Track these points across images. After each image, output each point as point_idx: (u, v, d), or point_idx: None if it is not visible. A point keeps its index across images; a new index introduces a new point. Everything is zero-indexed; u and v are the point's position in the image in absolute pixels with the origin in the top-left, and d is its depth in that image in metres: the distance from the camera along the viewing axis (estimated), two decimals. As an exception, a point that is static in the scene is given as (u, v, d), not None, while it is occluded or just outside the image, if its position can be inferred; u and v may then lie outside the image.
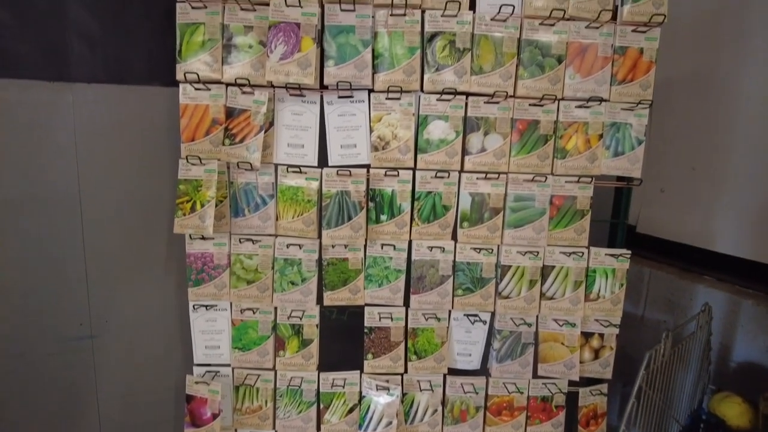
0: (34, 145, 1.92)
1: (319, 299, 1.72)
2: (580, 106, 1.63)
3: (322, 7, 1.54)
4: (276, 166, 1.65)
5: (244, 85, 1.54)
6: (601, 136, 1.65)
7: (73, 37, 1.94)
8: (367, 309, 1.72)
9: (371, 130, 1.62)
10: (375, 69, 1.58)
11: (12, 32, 1.89)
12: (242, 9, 1.54)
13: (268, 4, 1.54)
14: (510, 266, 1.71)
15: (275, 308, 1.72)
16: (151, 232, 2.04)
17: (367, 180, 1.64)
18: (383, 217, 1.67)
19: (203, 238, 1.67)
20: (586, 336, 1.77)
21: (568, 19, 1.56)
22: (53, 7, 1.94)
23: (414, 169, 1.65)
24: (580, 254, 1.70)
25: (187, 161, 1.58)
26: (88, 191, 1.99)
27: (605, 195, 1.84)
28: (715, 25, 2.34)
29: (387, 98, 1.60)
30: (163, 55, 1.98)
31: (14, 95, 1.87)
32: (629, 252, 1.73)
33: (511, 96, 1.59)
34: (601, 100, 1.61)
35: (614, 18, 1.59)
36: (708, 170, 2.41)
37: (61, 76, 1.95)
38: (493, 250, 1.70)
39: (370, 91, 1.61)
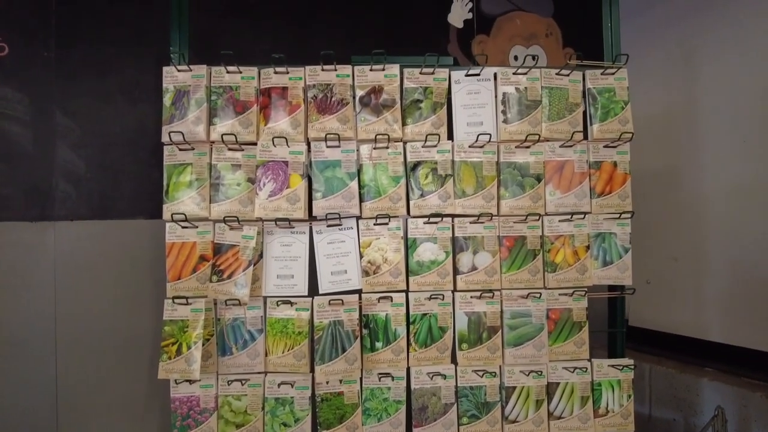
0: (11, 286, 1.86)
1: (315, 440, 1.59)
2: (563, 220, 1.66)
3: (308, 143, 1.60)
4: (265, 299, 1.61)
5: (232, 221, 1.54)
6: (587, 247, 1.67)
7: (59, 177, 1.96)
8: (367, 447, 1.60)
9: (361, 256, 1.61)
10: (362, 198, 1.61)
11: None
12: (230, 149, 1.58)
13: (255, 144, 1.59)
14: (515, 387, 1.64)
15: (267, 454, 1.58)
16: (131, 374, 1.93)
17: (360, 306, 1.60)
18: (378, 344, 1.61)
19: (189, 381, 1.56)
20: (603, 458, 1.66)
21: (543, 140, 1.64)
22: (41, 150, 1.98)
23: (407, 292, 1.62)
24: (584, 369, 1.65)
25: (173, 302, 1.53)
26: (64, 330, 1.91)
27: (597, 303, 1.83)
28: (675, 122, 2.52)
29: (375, 224, 1.61)
30: (147, 189, 1.99)
31: (-1, 238, 1.83)
32: (632, 362, 1.68)
33: (495, 216, 1.62)
34: (584, 213, 1.65)
35: (586, 137, 1.68)
36: (690, 260, 2.46)
37: (43, 215, 1.94)
38: (494, 371, 1.63)
39: (358, 218, 1.62)
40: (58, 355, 1.88)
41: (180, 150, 1.58)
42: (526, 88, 1.66)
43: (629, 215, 1.65)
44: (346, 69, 1.60)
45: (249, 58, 1.66)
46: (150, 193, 2.04)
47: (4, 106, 1.87)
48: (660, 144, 2.61)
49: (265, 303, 1.61)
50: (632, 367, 1.67)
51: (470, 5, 2.81)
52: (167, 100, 1.58)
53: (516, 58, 2.95)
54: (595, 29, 2.76)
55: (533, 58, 1.70)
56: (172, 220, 1.54)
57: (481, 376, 1.62)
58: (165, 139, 1.56)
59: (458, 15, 2.77)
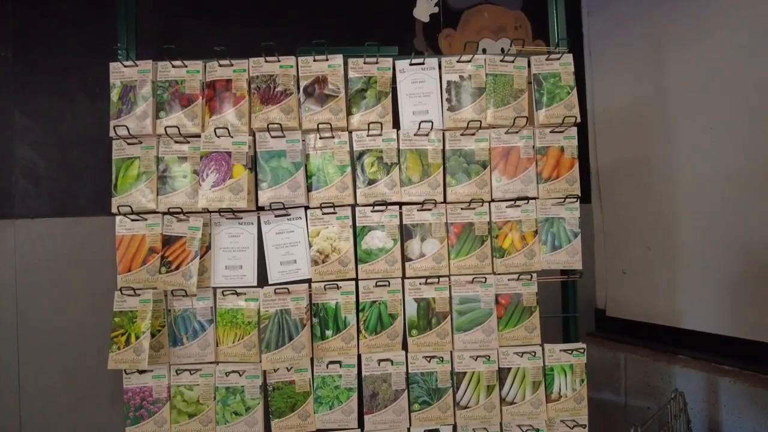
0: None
1: (267, 429, 1.60)
2: (510, 206, 1.67)
3: (253, 135, 1.62)
4: (214, 289, 1.63)
5: (177, 213, 1.56)
6: (536, 232, 1.68)
7: (18, 175, 1.98)
8: (318, 435, 1.61)
9: (310, 245, 1.63)
10: (310, 188, 1.62)
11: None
12: (176, 142, 1.60)
13: (200, 136, 1.61)
14: (465, 372, 1.64)
15: (219, 443, 1.59)
16: (95, 371, 1.95)
17: (310, 295, 1.61)
18: (329, 333, 1.63)
19: (140, 371, 1.58)
20: (555, 441, 1.66)
21: (487, 128, 1.65)
22: (0, 148, 1.99)
23: (356, 280, 1.64)
24: (534, 353, 1.65)
25: (122, 293, 1.55)
26: (26, 330, 1.93)
27: (557, 288, 1.83)
28: (644, 113, 2.52)
29: (323, 213, 1.63)
30: (108, 186, 2.02)
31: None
32: (584, 346, 1.69)
33: (441, 202, 1.63)
34: (528, 198, 1.66)
35: (532, 123, 1.69)
36: (662, 248, 2.45)
37: (3, 213, 1.96)
38: (445, 357, 1.64)
39: (307, 208, 1.64)
40: (21, 354, 1.89)
41: (128, 144, 1.61)
42: (470, 75, 1.68)
43: (575, 198, 1.66)
44: (289, 60, 1.62)
45: (210, 57, 1.67)
46: (109, 188, 2.06)
47: (-38, 107, 1.91)
48: (631, 135, 2.61)
49: (215, 294, 1.63)
50: (583, 350, 1.68)
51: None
52: (114, 95, 1.60)
53: (485, 51, 2.96)
54: (570, 20, 2.74)
55: (509, 47, 1.71)
56: (120, 213, 1.56)
57: (430, 362, 1.63)
58: (112, 133, 1.59)
59: (424, 9, 2.79)
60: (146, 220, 1.60)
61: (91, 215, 2.04)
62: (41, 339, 1.95)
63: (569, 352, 1.68)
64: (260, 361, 1.60)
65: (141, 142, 1.60)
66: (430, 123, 1.60)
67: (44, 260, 1.99)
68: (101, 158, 2.05)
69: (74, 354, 1.99)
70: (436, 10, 2.82)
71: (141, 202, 1.59)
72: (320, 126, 1.57)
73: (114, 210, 1.58)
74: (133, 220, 1.59)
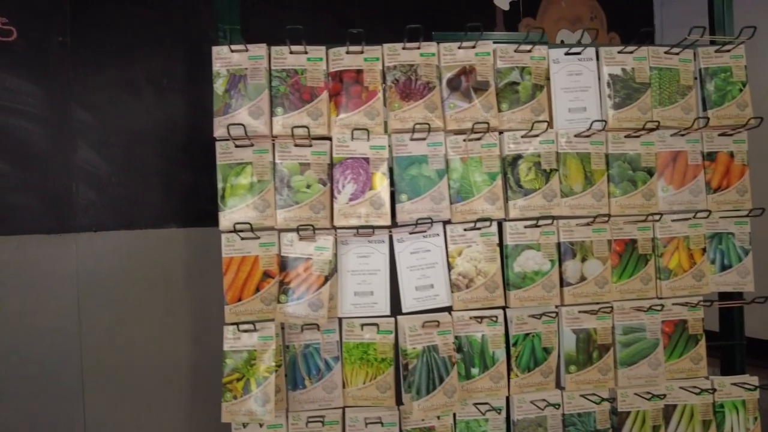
0: (30, 308, 1.60)
1: (406, 485, 1.35)
2: (677, 220, 1.45)
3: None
4: (340, 320, 1.36)
5: (306, 230, 1.29)
6: (704, 250, 1.46)
7: (80, 182, 1.69)
8: (465, 491, 1.36)
9: (450, 267, 1.38)
10: (450, 199, 1.37)
11: (11, 183, 1.62)
12: (296, 145, 1.33)
13: (325, 138, 1.34)
14: (629, 412, 1.42)
15: (350, 505, 1.34)
16: (164, 404, 1.68)
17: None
18: (474, 371, 1.38)
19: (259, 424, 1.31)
20: (729, 490, 1.46)
21: (655, 129, 1.42)
22: (58, 151, 1.70)
23: (505, 308, 1.39)
24: (708, 390, 1.44)
25: (239, 329, 1.27)
26: (91, 357, 1.65)
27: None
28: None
29: (465, 229, 1.38)
30: (178, 193, 1.74)
31: (10, 253, 1.57)
32: (756, 379, 1.48)
33: (611, 216, 1.40)
34: (699, 211, 1.44)
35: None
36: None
37: (64, 226, 1.67)
38: (606, 396, 1.41)
39: (445, 223, 1.39)
40: (85, 381, 1.62)
41: (236, 147, 1.32)
42: (633, 68, 1.44)
43: (759, 212, 1.44)
44: (431, 47, 1.36)
45: (281, 38, 1.41)
46: (182, 197, 1.78)
47: (14, 100, 1.58)
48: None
49: (340, 325, 1.36)
50: (756, 384, 1.47)
51: (516, -15, 2.58)
52: (219, 86, 1.32)
53: (563, 42, 2.74)
54: (643, 12, 2.54)
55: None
56: (235, 231, 1.28)
57: (588, 401, 1.40)
58: (219, 133, 1.30)
59: (504, -4, 2.55)
60: (259, 238, 1.32)
61: (158, 227, 1.75)
62: (105, 361, 1.69)
63: (739, 385, 1.47)
64: (397, 405, 1.34)
65: (252, 145, 1.32)
66: (603, 123, 1.36)
67: (108, 278, 1.71)
68: (171, 161, 1.76)
69: (143, 383, 1.72)
70: (516, -3, 2.57)
71: (255, 217, 1.31)
72: (475, 126, 1.31)
73: (225, 225, 1.30)
74: (243, 238, 1.31)
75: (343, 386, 1.36)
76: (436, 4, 2.37)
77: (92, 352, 1.64)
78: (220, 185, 1.32)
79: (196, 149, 1.76)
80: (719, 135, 1.47)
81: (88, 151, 1.68)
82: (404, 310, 1.38)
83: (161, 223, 1.73)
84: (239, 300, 1.32)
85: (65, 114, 1.66)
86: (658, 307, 1.40)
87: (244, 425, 1.30)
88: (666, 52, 1.46)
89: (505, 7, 2.55)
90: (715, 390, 1.44)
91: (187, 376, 1.70)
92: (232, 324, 1.30)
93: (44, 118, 1.62)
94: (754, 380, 1.48)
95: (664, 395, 1.41)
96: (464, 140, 1.37)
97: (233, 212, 1.31)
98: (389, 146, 1.35)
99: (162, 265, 1.75)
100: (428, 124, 1.30)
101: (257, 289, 1.32)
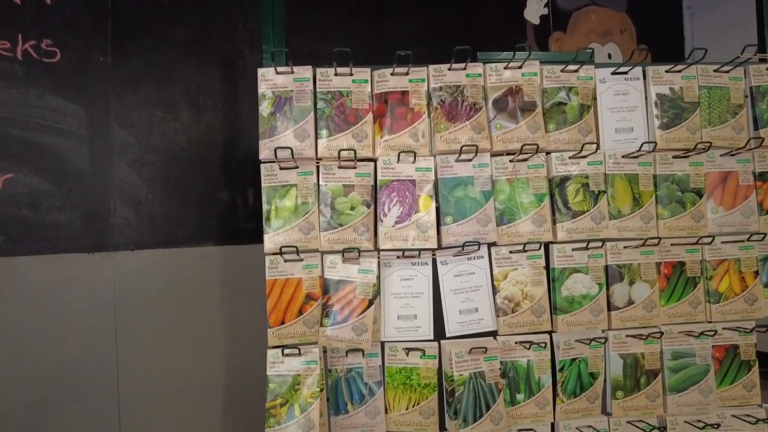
0: (67, 327, 1.60)
1: None
2: (728, 242, 1.41)
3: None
4: (382, 344, 1.34)
5: (351, 253, 1.27)
6: (756, 273, 1.42)
7: (117, 200, 1.69)
8: None
9: (495, 290, 1.35)
10: (497, 221, 1.35)
11: (51, 201, 1.63)
12: (341, 167, 1.31)
13: (370, 160, 1.33)
14: (679, 442, 1.38)
15: None
16: (202, 425, 1.66)
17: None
18: (520, 397, 1.35)
19: (299, 448, 1.29)
20: None
21: (703, 150, 1.39)
22: (97, 169, 1.71)
23: (551, 332, 1.36)
24: (764, 420, 1.39)
25: (282, 353, 1.26)
26: (128, 376, 1.64)
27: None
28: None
29: (511, 252, 1.35)
30: (215, 211, 1.74)
31: (50, 272, 1.57)
32: (812, 407, 1.43)
33: (661, 239, 1.36)
34: (753, 234, 1.40)
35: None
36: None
37: (101, 245, 1.67)
38: (655, 424, 1.37)
39: (490, 245, 1.36)
40: (121, 400, 1.61)
41: (281, 169, 1.31)
42: (681, 87, 1.41)
43: (810, 235, 1.40)
44: (477, 68, 1.34)
45: (320, 58, 1.41)
46: (218, 215, 1.78)
47: (55, 119, 1.59)
48: None
49: (383, 350, 1.34)
50: (812, 413, 1.42)
51: (545, 0, 2.57)
52: (265, 108, 1.31)
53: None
54: (672, 24, 2.50)
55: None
56: (280, 253, 1.26)
57: (641, 429, 1.36)
58: (264, 155, 1.30)
59: (534, 11, 2.53)
60: (302, 260, 1.31)
61: (195, 245, 1.74)
62: (141, 380, 1.68)
63: (794, 414, 1.42)
64: (439, 431, 1.32)
65: (297, 167, 1.31)
66: (653, 144, 1.33)
67: (145, 296, 1.71)
68: (207, 179, 1.76)
69: (181, 404, 1.71)
70: (545, 11, 2.55)
71: (299, 239, 1.30)
72: (524, 147, 1.29)
73: (269, 248, 1.29)
74: (286, 260, 1.30)
75: (386, 411, 1.33)
76: (469, 20, 2.36)
77: (128, 370, 1.64)
78: (265, 207, 1.31)
79: (232, 167, 1.76)
80: (770, 155, 1.44)
81: (125, 170, 1.68)
82: (448, 335, 1.35)
83: (197, 241, 1.73)
84: (282, 323, 1.30)
85: (104, 133, 1.67)
86: (711, 332, 1.36)
87: (286, 450, 1.28)
88: (715, 71, 1.43)
89: (536, 21, 2.53)
90: (769, 419, 1.40)
91: (222, 396, 1.68)
92: (275, 347, 1.28)
93: (84, 136, 1.63)
94: (810, 409, 1.43)
95: (718, 425, 1.36)
96: (511, 161, 1.34)
97: (278, 234, 1.30)
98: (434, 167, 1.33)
99: (198, 283, 1.74)
100: (476, 145, 1.28)
101: (300, 312, 1.31)
